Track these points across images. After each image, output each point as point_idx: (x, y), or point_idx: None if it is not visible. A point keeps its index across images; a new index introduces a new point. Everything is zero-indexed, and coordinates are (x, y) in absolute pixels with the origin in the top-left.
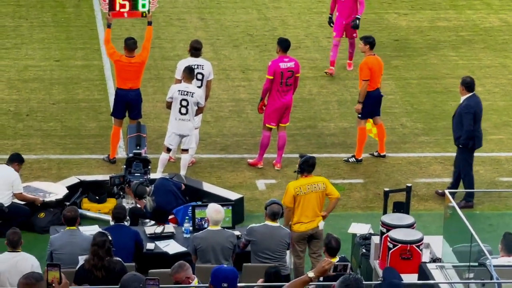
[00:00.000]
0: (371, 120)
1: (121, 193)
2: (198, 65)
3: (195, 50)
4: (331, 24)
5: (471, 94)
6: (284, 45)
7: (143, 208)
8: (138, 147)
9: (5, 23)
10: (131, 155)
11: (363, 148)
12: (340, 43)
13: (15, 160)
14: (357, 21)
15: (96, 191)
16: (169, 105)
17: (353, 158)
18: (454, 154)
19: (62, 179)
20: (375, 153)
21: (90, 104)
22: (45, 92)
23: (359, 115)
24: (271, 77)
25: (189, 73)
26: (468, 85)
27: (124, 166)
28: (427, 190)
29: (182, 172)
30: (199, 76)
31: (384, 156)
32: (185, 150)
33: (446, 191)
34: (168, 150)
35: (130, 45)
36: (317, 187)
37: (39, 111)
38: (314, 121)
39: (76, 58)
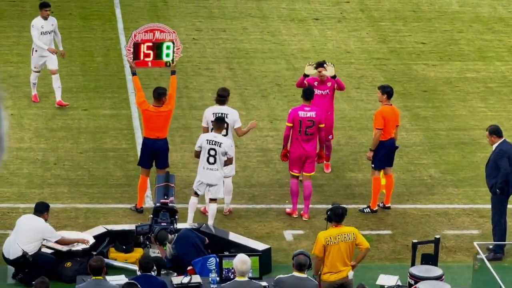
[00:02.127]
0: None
1: (147, 242)
2: (222, 113)
3: (220, 97)
4: None
5: (502, 140)
6: (305, 93)
7: (164, 256)
8: (165, 197)
9: None
10: (158, 204)
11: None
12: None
13: (44, 210)
14: None
15: (123, 240)
16: (197, 154)
17: (368, 209)
18: (483, 206)
19: (89, 228)
20: (380, 204)
21: (118, 153)
22: (72, 141)
23: (373, 165)
24: (290, 124)
25: (217, 123)
26: (498, 131)
27: (151, 216)
28: (455, 242)
29: (210, 222)
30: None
31: (389, 208)
32: (213, 200)
33: (475, 243)
34: (196, 194)
35: (159, 94)
36: (347, 237)
37: (67, 160)
38: (342, 172)
39: (104, 107)
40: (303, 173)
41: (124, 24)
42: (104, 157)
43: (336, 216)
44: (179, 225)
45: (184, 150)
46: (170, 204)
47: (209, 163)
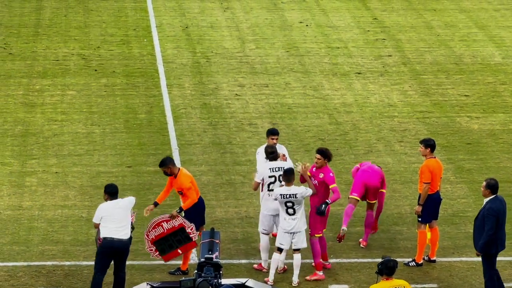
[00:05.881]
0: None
1: None
2: (278, 167)
3: (271, 154)
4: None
5: (493, 196)
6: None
7: None
8: (210, 252)
9: (78, 130)
10: (202, 259)
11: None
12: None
13: (117, 191)
14: (323, 206)
15: None
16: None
17: (413, 262)
18: None
19: (133, 285)
20: (426, 258)
21: (162, 209)
22: None
23: (420, 219)
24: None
25: (285, 176)
26: (494, 188)
27: (196, 271)
28: None
29: (296, 272)
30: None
31: (434, 261)
32: (297, 250)
33: None
34: (279, 250)
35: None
36: None
37: None
38: (387, 225)
39: (148, 164)
40: (368, 201)
41: (167, 81)
42: (149, 214)
43: (388, 268)
44: (226, 281)
45: (228, 206)
46: (215, 260)
47: (289, 214)
